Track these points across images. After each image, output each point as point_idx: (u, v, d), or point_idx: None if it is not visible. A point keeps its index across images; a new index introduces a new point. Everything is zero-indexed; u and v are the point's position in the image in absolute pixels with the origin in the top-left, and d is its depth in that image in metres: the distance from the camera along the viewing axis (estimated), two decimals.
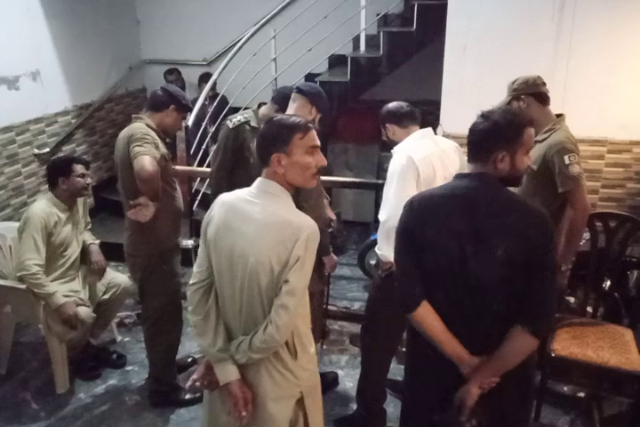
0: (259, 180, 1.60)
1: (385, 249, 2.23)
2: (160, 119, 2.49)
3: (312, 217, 1.59)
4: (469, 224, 1.54)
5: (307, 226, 1.53)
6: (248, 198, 1.59)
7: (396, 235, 1.69)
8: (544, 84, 2.29)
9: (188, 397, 2.71)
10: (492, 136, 1.55)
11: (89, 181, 2.84)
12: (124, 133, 2.43)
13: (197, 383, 1.71)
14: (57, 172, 2.77)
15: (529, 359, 1.62)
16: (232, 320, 1.64)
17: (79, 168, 2.78)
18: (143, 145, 2.32)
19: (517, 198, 1.60)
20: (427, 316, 1.64)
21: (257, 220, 1.54)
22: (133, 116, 2.51)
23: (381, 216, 2.22)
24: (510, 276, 1.53)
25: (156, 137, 2.43)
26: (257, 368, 1.63)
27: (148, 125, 2.44)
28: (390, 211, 2.16)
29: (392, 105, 2.35)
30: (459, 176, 1.64)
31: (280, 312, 1.52)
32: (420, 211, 1.63)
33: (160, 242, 2.53)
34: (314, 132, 1.60)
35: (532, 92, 2.27)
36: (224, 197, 1.64)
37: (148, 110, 2.52)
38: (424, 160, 2.18)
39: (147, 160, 2.27)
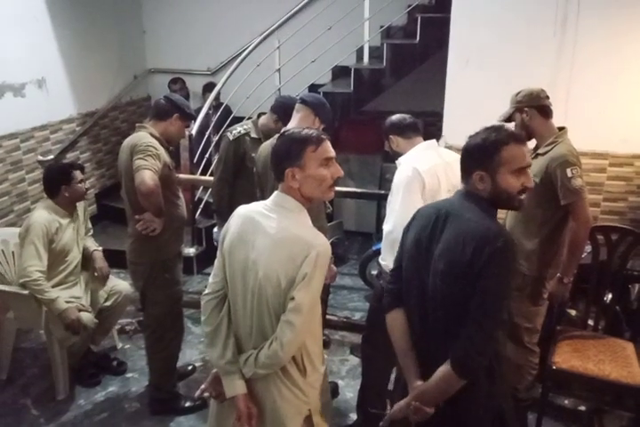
0: (275, 193, 1.60)
1: (388, 259, 2.23)
2: (164, 128, 2.50)
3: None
4: (429, 236, 1.56)
5: (317, 243, 1.51)
6: (263, 212, 1.59)
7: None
8: (547, 97, 2.31)
9: (187, 404, 2.71)
10: (468, 155, 1.53)
11: (87, 186, 2.88)
12: (127, 142, 2.46)
13: (206, 394, 1.70)
14: (58, 180, 2.77)
15: (497, 389, 1.54)
16: (243, 333, 1.63)
17: (78, 174, 2.81)
18: (145, 158, 2.33)
19: (481, 217, 1.50)
20: (392, 322, 1.66)
21: (269, 234, 1.54)
22: (137, 125, 2.53)
23: (386, 227, 2.23)
24: (451, 296, 1.48)
25: (160, 146, 2.45)
26: (266, 384, 1.61)
27: (151, 134, 2.45)
28: (396, 222, 2.17)
29: (395, 117, 2.37)
30: (455, 192, 1.66)
31: (285, 329, 1.51)
32: (413, 220, 1.66)
33: (162, 250, 2.54)
34: (328, 144, 1.58)
35: (536, 105, 2.29)
36: (240, 210, 1.65)
37: (151, 119, 2.54)
38: (429, 171, 2.20)
39: (147, 175, 2.28)
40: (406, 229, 1.68)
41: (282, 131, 2.51)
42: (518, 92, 2.32)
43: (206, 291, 1.67)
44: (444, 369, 1.47)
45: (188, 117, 2.57)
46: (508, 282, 1.48)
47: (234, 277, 1.60)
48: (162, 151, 2.45)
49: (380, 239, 2.53)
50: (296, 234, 1.53)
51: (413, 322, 1.62)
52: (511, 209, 1.62)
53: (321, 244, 1.52)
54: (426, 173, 2.19)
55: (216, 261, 1.67)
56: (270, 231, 1.54)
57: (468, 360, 1.44)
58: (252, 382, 1.61)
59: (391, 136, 2.36)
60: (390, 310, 1.68)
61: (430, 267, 1.54)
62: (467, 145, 1.54)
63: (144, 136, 2.43)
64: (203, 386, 1.71)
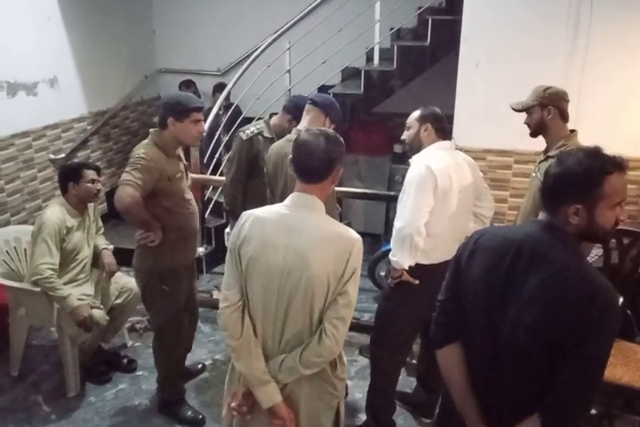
0: (295, 195, 1.59)
1: (398, 256, 2.24)
2: (167, 135, 2.33)
3: None
4: (506, 276, 1.35)
5: (356, 238, 1.56)
6: (290, 213, 1.57)
7: (452, 262, 1.54)
8: (569, 101, 2.29)
9: (188, 414, 2.63)
10: (563, 185, 1.30)
11: (99, 186, 2.84)
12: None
13: (234, 412, 1.66)
14: (67, 177, 2.79)
15: None
16: (269, 340, 1.61)
17: (90, 173, 2.79)
18: (131, 171, 2.22)
19: (576, 262, 1.30)
20: (449, 360, 1.50)
21: (307, 234, 1.53)
22: (150, 130, 2.42)
23: (397, 223, 2.23)
24: (539, 350, 1.30)
25: (159, 157, 2.30)
26: (298, 386, 1.62)
27: (154, 143, 2.34)
28: (407, 218, 2.19)
29: (439, 112, 2.37)
30: (531, 220, 1.45)
31: (338, 324, 1.53)
32: (477, 246, 1.44)
33: (160, 261, 2.43)
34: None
35: (559, 106, 2.26)
36: (256, 214, 1.60)
37: (157, 126, 2.41)
38: (442, 171, 2.21)
39: (125, 191, 2.19)
40: (465, 257, 1.45)
41: (293, 131, 2.55)
42: (547, 88, 2.27)
43: (225, 304, 1.61)
44: (527, 424, 1.34)
45: (185, 114, 2.28)
46: (612, 345, 1.31)
47: (261, 283, 1.56)
48: (158, 163, 2.29)
49: (388, 241, 2.54)
50: (337, 231, 1.56)
51: (473, 363, 1.46)
52: (600, 243, 1.46)
53: (358, 238, 1.57)
54: (439, 173, 2.20)
55: (229, 271, 1.62)
56: (307, 232, 1.54)
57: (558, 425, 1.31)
58: (282, 388, 1.61)
59: (429, 124, 2.32)
60: (443, 346, 1.52)
61: (508, 312, 1.34)
62: (561, 172, 1.31)
63: (142, 145, 2.34)
64: (233, 404, 1.64)
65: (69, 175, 2.79)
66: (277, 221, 1.57)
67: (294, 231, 1.54)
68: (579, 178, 1.28)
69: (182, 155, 2.52)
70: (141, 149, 2.30)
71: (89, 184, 2.79)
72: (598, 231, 1.32)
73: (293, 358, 1.57)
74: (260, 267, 1.55)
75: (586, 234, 1.33)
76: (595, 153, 1.32)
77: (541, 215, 1.39)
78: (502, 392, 1.41)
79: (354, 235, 1.57)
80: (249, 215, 1.62)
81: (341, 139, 1.63)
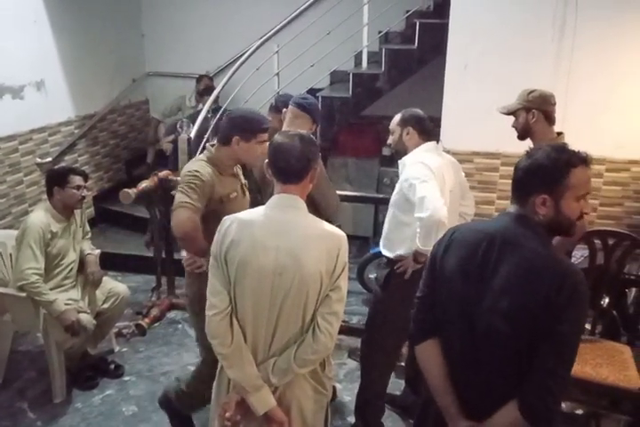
0: (278, 196, 1.61)
1: (429, 244, 2.08)
2: (227, 153, 2.16)
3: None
4: (480, 266, 1.40)
5: (342, 234, 1.62)
6: (274, 215, 1.59)
7: (428, 259, 1.59)
8: (555, 104, 2.31)
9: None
10: (531, 176, 1.38)
11: (85, 193, 2.79)
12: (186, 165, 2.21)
13: (228, 423, 1.61)
14: (53, 181, 2.76)
15: None
16: (259, 344, 1.61)
17: (76, 179, 2.75)
18: (187, 191, 2.06)
19: (545, 248, 1.38)
20: (427, 355, 1.54)
21: (297, 234, 1.56)
22: (208, 144, 2.23)
23: (422, 214, 2.13)
24: (515, 336, 1.35)
25: (212, 176, 2.13)
26: (289, 388, 1.62)
27: (209, 160, 2.16)
28: (430, 205, 2.11)
29: (419, 112, 2.37)
30: (501, 213, 1.50)
31: (331, 320, 1.56)
32: (452, 241, 1.49)
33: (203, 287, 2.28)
34: None
35: (544, 109, 2.27)
36: (241, 218, 1.61)
37: (217, 141, 2.20)
38: (436, 170, 2.23)
39: (184, 215, 2.04)
40: (441, 253, 1.50)
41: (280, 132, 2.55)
42: (531, 91, 2.29)
43: (213, 311, 1.59)
44: (512, 415, 1.36)
45: (253, 134, 2.12)
46: (584, 324, 1.39)
47: (257, 286, 1.56)
48: (211, 182, 2.12)
49: (377, 243, 2.54)
50: (325, 229, 1.60)
51: (451, 356, 1.50)
52: (565, 236, 1.48)
53: (343, 234, 1.63)
54: (435, 172, 2.22)
55: (215, 278, 1.61)
56: (301, 231, 1.57)
57: (544, 410, 1.34)
58: (274, 391, 1.61)
59: (411, 128, 2.33)
60: (421, 342, 1.55)
61: (484, 301, 1.39)
62: (529, 164, 1.38)
63: (195, 162, 2.17)
64: (227, 415, 1.60)
65: (55, 180, 2.76)
66: (265, 223, 1.58)
67: (284, 232, 1.56)
68: (546, 170, 1.36)
69: (240, 171, 2.33)
70: (194, 166, 2.14)
71: (74, 190, 2.75)
72: (564, 221, 1.39)
73: (286, 358, 1.57)
74: (252, 270, 1.55)
75: (553, 225, 1.39)
76: (561, 148, 1.40)
77: (511, 208, 1.45)
78: (481, 384, 1.43)
79: (340, 232, 1.62)
80: (233, 219, 1.62)
81: (314, 139, 1.68)
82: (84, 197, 2.80)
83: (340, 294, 1.58)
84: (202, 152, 3.82)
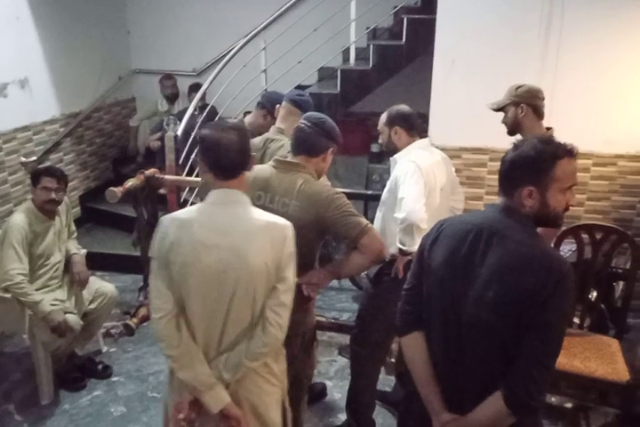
0: (219, 191, 1.57)
1: (407, 244, 2.18)
2: (315, 165, 1.99)
3: None
4: (466, 257, 1.41)
5: (286, 223, 1.59)
6: (216, 211, 1.56)
7: (417, 251, 1.59)
8: (543, 99, 2.31)
9: None
10: (517, 168, 1.38)
11: (53, 195, 2.69)
12: (304, 189, 1.88)
13: (183, 423, 1.58)
14: (31, 180, 2.74)
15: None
16: (209, 343, 1.58)
17: (45, 180, 2.68)
18: (357, 213, 1.88)
19: (532, 238, 1.39)
20: (413, 347, 1.54)
21: (240, 228, 1.54)
22: (288, 160, 1.97)
23: (399, 215, 2.18)
24: (501, 326, 1.35)
25: None
26: (241, 384, 1.60)
27: (311, 174, 1.97)
28: (407, 207, 2.15)
29: (406, 109, 2.35)
30: (489, 205, 1.50)
31: (280, 311, 1.54)
32: (439, 233, 1.49)
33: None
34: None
35: (533, 104, 2.27)
36: (180, 217, 1.57)
37: (299, 154, 1.98)
38: (427, 169, 2.24)
39: (378, 234, 1.93)
40: (429, 245, 1.50)
41: (272, 130, 2.54)
42: (519, 86, 2.29)
43: (158, 314, 1.55)
44: (495, 406, 1.36)
45: (326, 151, 2.01)
46: (569, 313, 1.40)
47: (203, 285, 1.53)
48: None
49: None
50: (268, 220, 1.57)
51: (435, 348, 1.50)
52: (552, 227, 1.48)
53: (288, 223, 1.60)
54: (425, 170, 2.21)
55: (158, 280, 1.56)
56: (244, 225, 1.54)
57: (528, 399, 1.32)
58: (228, 388, 1.59)
59: (398, 127, 2.32)
60: (407, 334, 1.55)
61: (470, 292, 1.39)
62: (515, 157, 1.39)
63: (320, 182, 1.97)
64: (180, 416, 1.57)
65: (32, 179, 2.74)
66: (206, 221, 1.55)
67: (226, 228, 1.53)
68: (532, 161, 1.37)
69: None
70: (327, 185, 1.98)
71: (40, 191, 2.69)
72: (550, 213, 1.39)
73: (238, 353, 1.56)
74: (195, 270, 1.52)
75: (539, 216, 1.40)
76: (547, 140, 1.42)
77: (499, 200, 1.45)
78: (465, 377, 1.43)
79: (284, 221, 1.60)
80: (171, 219, 1.57)
81: (245, 126, 1.66)
82: (52, 200, 2.70)
83: (286, 284, 1.56)
84: (189, 149, 3.79)
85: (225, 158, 1.54)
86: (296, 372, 1.97)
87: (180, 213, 1.59)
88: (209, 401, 1.55)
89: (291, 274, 1.57)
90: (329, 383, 2.90)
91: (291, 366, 1.82)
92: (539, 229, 1.45)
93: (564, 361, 2.35)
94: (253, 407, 1.63)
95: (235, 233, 1.53)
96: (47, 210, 2.76)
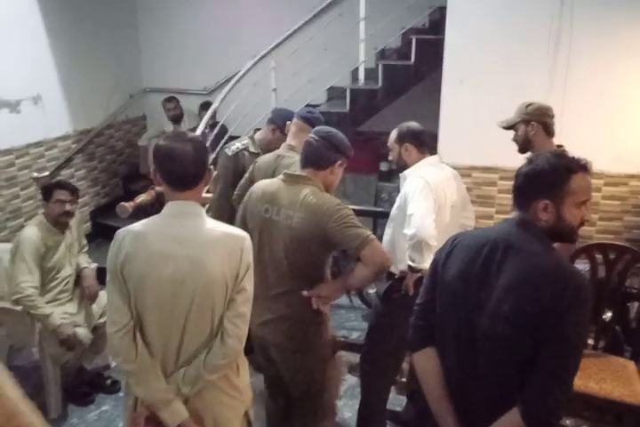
0: (174, 204, 1.56)
1: (417, 260, 2.18)
2: (323, 178, 1.98)
3: None
4: (481, 270, 1.39)
5: (244, 235, 1.59)
6: (171, 223, 1.55)
7: (430, 266, 1.58)
8: (553, 116, 2.33)
9: None
10: (532, 182, 1.39)
11: (68, 208, 2.72)
12: (308, 201, 1.88)
13: None
14: (43, 195, 2.77)
15: None
16: (166, 356, 1.55)
17: (59, 193, 2.72)
18: (359, 225, 1.86)
19: (548, 251, 1.38)
20: (425, 362, 1.51)
21: (196, 240, 1.53)
22: (296, 173, 1.96)
23: (408, 231, 2.18)
24: (516, 339, 1.33)
25: None
26: (200, 398, 1.57)
27: (320, 188, 1.96)
28: (416, 224, 2.15)
29: (417, 126, 2.37)
30: (505, 219, 1.49)
31: (238, 322, 1.54)
32: (454, 248, 1.48)
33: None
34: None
35: (543, 122, 2.29)
36: (136, 230, 1.54)
37: (306, 167, 1.96)
38: (437, 186, 2.24)
39: (382, 246, 1.92)
40: (443, 259, 1.49)
41: (282, 146, 2.57)
42: (529, 104, 2.32)
43: (114, 328, 1.51)
44: (512, 422, 1.32)
45: (335, 163, 2.00)
46: (587, 327, 1.37)
47: (159, 298, 1.51)
48: None
49: None
50: (224, 231, 1.57)
51: (448, 363, 1.47)
52: (567, 242, 1.47)
53: (245, 234, 1.60)
54: (434, 187, 2.22)
55: (113, 293, 1.53)
56: (200, 237, 1.54)
57: (547, 416, 1.30)
58: (185, 402, 1.56)
59: (408, 144, 2.34)
60: (419, 349, 1.53)
61: (485, 305, 1.37)
62: (530, 170, 1.39)
63: (325, 194, 1.95)
64: None
65: (43, 193, 2.77)
66: (162, 232, 1.53)
67: (182, 240, 1.52)
68: (547, 175, 1.37)
69: None
70: (332, 197, 1.95)
71: (54, 205, 2.72)
72: (566, 227, 1.39)
73: (196, 366, 1.54)
74: (151, 282, 1.50)
75: (555, 230, 1.39)
76: (561, 154, 1.43)
77: (513, 214, 1.45)
78: (480, 393, 1.41)
79: (241, 232, 1.60)
80: (127, 232, 1.55)
81: (203, 141, 1.68)
82: (67, 212, 2.73)
83: (244, 295, 1.55)
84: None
85: (179, 169, 1.52)
86: (313, 381, 2.00)
87: (135, 226, 1.56)
88: (166, 417, 1.52)
89: (249, 285, 1.56)
90: (339, 403, 2.86)
91: (308, 377, 1.84)
92: (554, 246, 1.45)
93: (580, 382, 2.31)
94: (214, 422, 1.60)
95: (192, 244, 1.52)
96: (61, 222, 2.77)
